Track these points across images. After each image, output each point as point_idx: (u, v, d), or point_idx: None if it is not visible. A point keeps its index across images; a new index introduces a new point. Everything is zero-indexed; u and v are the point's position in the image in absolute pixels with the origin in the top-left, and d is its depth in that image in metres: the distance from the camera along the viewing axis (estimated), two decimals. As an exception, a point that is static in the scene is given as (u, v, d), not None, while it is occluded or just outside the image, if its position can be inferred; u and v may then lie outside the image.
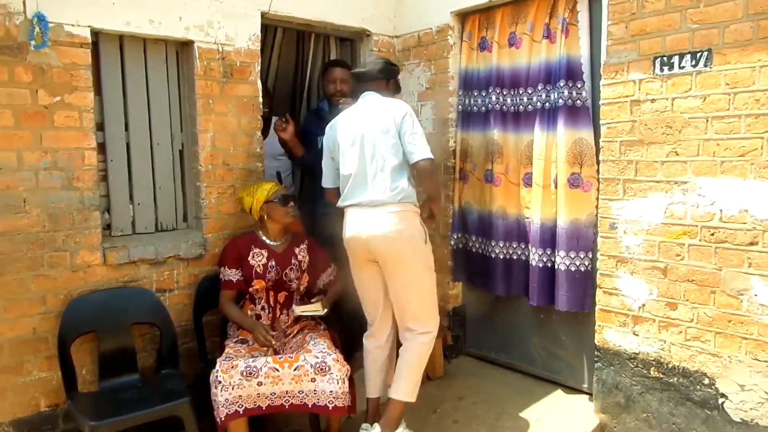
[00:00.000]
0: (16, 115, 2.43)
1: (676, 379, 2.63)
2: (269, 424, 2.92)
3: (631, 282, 2.73)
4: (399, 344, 2.89)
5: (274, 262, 2.80)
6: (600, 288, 2.86)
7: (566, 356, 3.26)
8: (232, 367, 2.42)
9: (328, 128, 2.93)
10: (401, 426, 2.76)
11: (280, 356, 2.56)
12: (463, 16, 3.50)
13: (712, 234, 2.46)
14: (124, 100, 2.83)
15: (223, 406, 2.36)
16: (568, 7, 2.99)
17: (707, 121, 2.44)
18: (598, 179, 2.88)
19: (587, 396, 3.13)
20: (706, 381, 2.53)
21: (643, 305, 2.71)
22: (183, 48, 2.97)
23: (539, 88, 3.13)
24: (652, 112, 2.60)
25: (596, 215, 2.90)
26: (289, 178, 3.82)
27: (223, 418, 2.36)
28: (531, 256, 3.22)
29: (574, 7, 2.97)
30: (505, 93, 3.31)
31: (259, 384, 2.41)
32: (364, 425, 2.77)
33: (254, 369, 2.42)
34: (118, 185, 2.84)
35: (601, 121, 2.80)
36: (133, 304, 2.75)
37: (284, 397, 2.46)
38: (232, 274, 2.77)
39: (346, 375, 2.54)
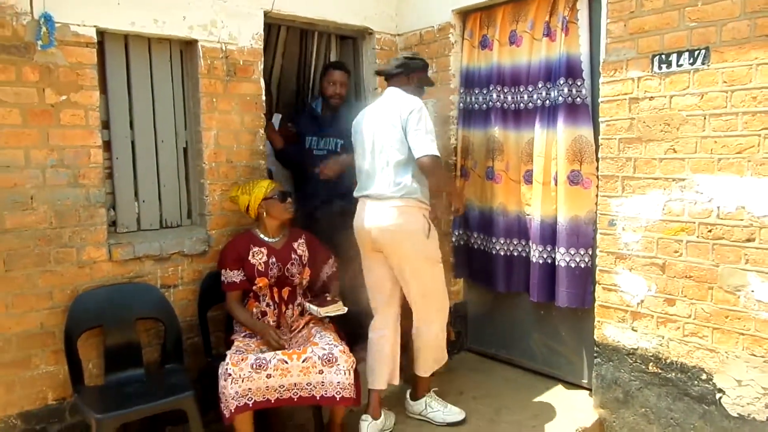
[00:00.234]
0: (23, 113, 2.47)
1: (674, 374, 2.65)
2: (273, 418, 2.96)
3: (629, 278, 2.76)
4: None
5: (274, 259, 2.83)
6: (599, 284, 2.89)
7: (566, 352, 3.29)
8: (243, 360, 2.46)
9: (354, 122, 3.02)
10: (427, 396, 3.02)
11: (288, 349, 2.61)
12: (465, 14, 3.52)
13: (710, 231, 2.48)
14: (129, 99, 2.87)
15: (233, 399, 2.39)
16: (568, 6, 3.01)
17: (705, 118, 2.46)
18: (597, 176, 2.90)
19: (587, 391, 3.15)
20: (704, 376, 2.56)
21: (642, 301, 2.73)
22: (187, 47, 3.01)
23: (539, 85, 3.15)
24: (651, 110, 2.62)
25: (596, 212, 2.92)
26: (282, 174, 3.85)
27: (233, 411, 2.40)
28: (531, 253, 3.25)
29: (574, 5, 2.99)
30: (505, 91, 3.34)
31: (269, 376, 2.45)
32: (364, 416, 2.82)
33: (264, 361, 2.47)
34: (124, 183, 2.88)
35: (600, 119, 2.82)
36: (138, 300, 2.78)
37: (293, 389, 2.50)
38: (234, 276, 2.80)
39: (352, 366, 2.58)
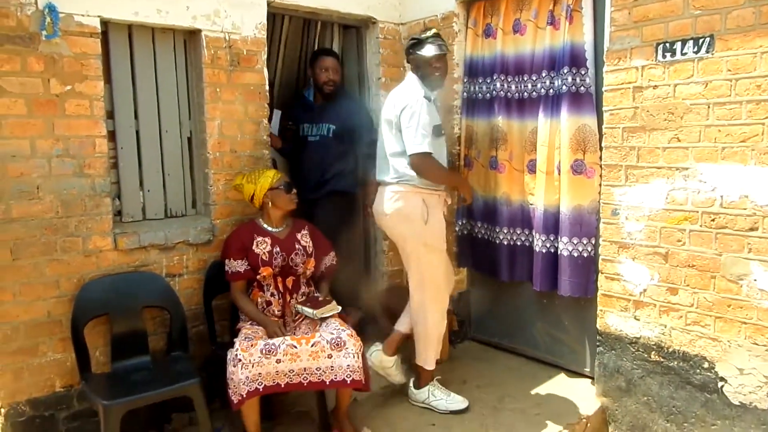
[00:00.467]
0: (28, 103, 2.49)
1: (676, 363, 2.66)
2: (277, 405, 2.99)
3: (632, 267, 2.76)
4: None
5: (278, 249, 2.85)
6: (602, 273, 2.89)
7: (569, 341, 3.31)
8: (252, 346, 2.48)
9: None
10: (430, 385, 3.06)
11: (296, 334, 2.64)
12: (468, 3, 3.51)
13: (713, 220, 2.48)
14: (134, 89, 2.88)
15: (243, 384, 2.42)
16: (572, -6, 2.99)
17: (709, 107, 2.45)
18: (600, 165, 2.90)
19: (589, 380, 3.17)
20: (706, 365, 2.56)
21: (645, 290, 2.73)
22: (190, 37, 3.01)
23: (543, 74, 3.14)
24: (655, 99, 2.61)
25: (599, 201, 2.92)
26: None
27: (244, 395, 2.42)
28: (535, 242, 3.26)
29: (578, -7, 2.98)
30: (509, 80, 3.33)
31: (278, 361, 2.48)
32: (376, 343, 3.15)
33: (273, 347, 2.50)
34: (129, 172, 2.90)
35: (603, 108, 2.81)
36: (144, 288, 2.81)
37: (302, 374, 2.52)
38: (238, 265, 2.81)
39: (360, 350, 2.61)
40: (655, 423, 2.76)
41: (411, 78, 2.97)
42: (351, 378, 2.55)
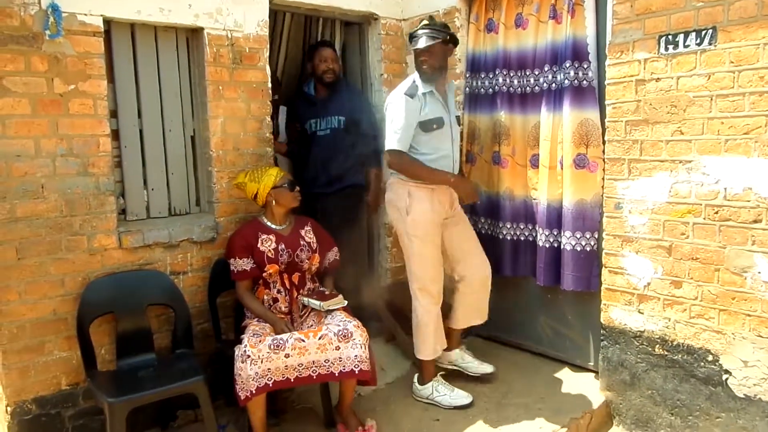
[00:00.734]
0: (32, 103, 2.50)
1: (680, 356, 2.66)
2: (282, 401, 3.01)
3: (636, 261, 2.76)
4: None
5: (284, 246, 2.85)
6: (605, 267, 2.89)
7: (573, 335, 3.31)
8: (260, 342, 2.50)
9: None
10: (434, 381, 3.09)
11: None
12: (470, -3, 3.51)
13: (716, 212, 2.48)
14: (137, 88, 2.89)
15: (253, 380, 2.43)
16: (574, -13, 2.98)
17: (711, 99, 2.44)
18: (603, 159, 2.90)
19: (593, 374, 3.17)
20: (710, 358, 2.56)
21: (648, 284, 2.73)
22: (193, 35, 3.02)
23: (546, 69, 3.14)
24: (657, 92, 2.61)
25: (602, 195, 2.92)
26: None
27: (253, 391, 2.44)
28: (538, 237, 3.26)
29: (579, -13, 2.97)
30: (511, 74, 3.33)
31: (287, 356, 2.49)
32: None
33: (281, 342, 2.51)
34: (132, 171, 2.91)
35: (606, 102, 2.81)
36: (149, 286, 2.82)
37: (311, 367, 2.54)
38: (244, 264, 2.81)
39: (367, 341, 2.63)
40: (659, 416, 2.75)
41: (413, 74, 2.99)
42: (359, 368, 2.57)
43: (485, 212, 3.55)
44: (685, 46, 2.50)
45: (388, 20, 3.77)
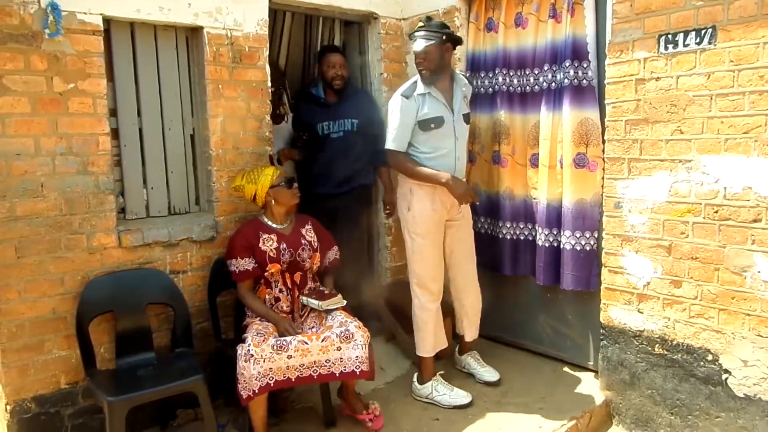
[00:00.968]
0: (32, 102, 2.50)
1: (680, 355, 2.66)
2: (282, 400, 3.00)
3: (635, 260, 2.76)
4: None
5: (285, 245, 2.85)
6: (605, 267, 2.89)
7: (572, 334, 3.31)
8: (264, 341, 2.51)
9: None
10: (434, 380, 3.10)
11: (301, 333, 2.67)
12: (470, -4, 3.51)
13: (716, 211, 2.47)
14: (136, 87, 2.89)
15: (255, 379, 2.44)
16: (574, -13, 2.98)
17: (711, 98, 2.44)
18: (603, 159, 2.90)
19: (593, 373, 3.17)
20: (710, 357, 2.56)
21: (648, 283, 2.73)
22: (192, 34, 3.02)
23: (545, 68, 3.13)
24: (657, 91, 2.60)
25: (601, 195, 2.92)
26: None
27: (256, 391, 2.45)
28: (538, 237, 3.26)
29: (579, -14, 2.97)
30: (511, 74, 3.33)
31: (289, 357, 2.51)
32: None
33: (284, 343, 2.53)
34: (132, 170, 2.91)
35: (606, 101, 2.81)
36: (148, 285, 2.82)
37: (312, 367, 2.55)
38: (246, 264, 2.80)
39: (368, 340, 2.65)
40: (659, 416, 2.75)
41: (416, 75, 3.01)
42: (360, 369, 2.60)
43: (485, 211, 3.55)
44: (685, 46, 2.49)
45: (387, 19, 3.77)
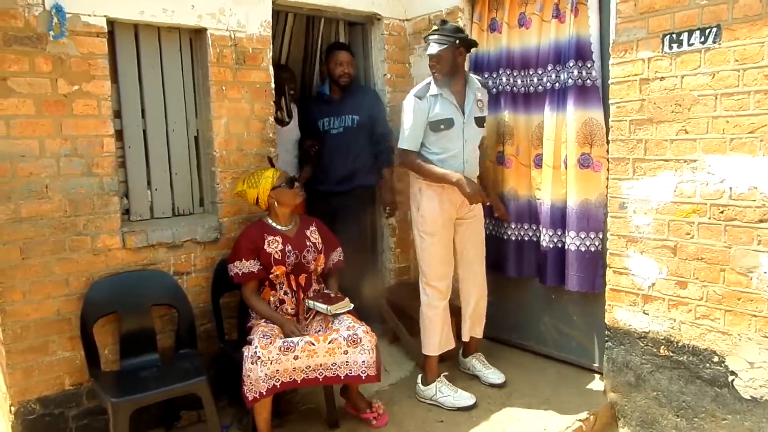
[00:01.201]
0: (37, 103, 2.51)
1: (685, 357, 2.64)
2: (286, 402, 3.00)
3: (640, 261, 2.74)
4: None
5: (290, 247, 2.84)
6: (610, 268, 2.87)
7: (577, 336, 3.29)
8: (271, 343, 2.51)
9: None
10: (438, 381, 3.09)
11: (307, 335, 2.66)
12: (473, -3, 3.50)
13: (722, 212, 2.46)
14: (140, 88, 2.90)
15: (262, 381, 2.44)
16: (578, -14, 2.97)
17: (716, 98, 2.43)
18: (607, 159, 2.88)
19: (598, 375, 3.15)
20: (716, 359, 2.54)
21: (653, 284, 2.71)
22: (196, 35, 3.02)
23: (549, 68, 3.12)
24: (662, 91, 2.59)
25: (606, 195, 2.90)
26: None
27: (264, 393, 2.45)
28: (542, 237, 3.25)
29: (583, -15, 2.96)
30: (515, 74, 3.32)
31: (296, 358, 2.51)
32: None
33: (291, 344, 2.53)
34: (136, 171, 2.92)
35: (610, 101, 2.79)
36: (152, 287, 2.83)
37: (318, 369, 2.56)
38: (251, 266, 2.80)
39: (375, 344, 2.65)
40: (664, 418, 2.73)
41: (431, 76, 3.03)
42: (366, 374, 2.60)
43: (489, 213, 3.53)
44: (690, 45, 2.48)
45: (391, 20, 3.77)
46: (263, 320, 2.78)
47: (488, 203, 3.30)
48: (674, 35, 2.52)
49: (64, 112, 2.58)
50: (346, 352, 2.58)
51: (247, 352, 2.50)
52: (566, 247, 3.10)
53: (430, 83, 3.00)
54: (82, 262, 2.67)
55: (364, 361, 2.59)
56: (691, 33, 2.47)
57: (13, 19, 2.42)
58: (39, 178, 2.54)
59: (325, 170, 3.65)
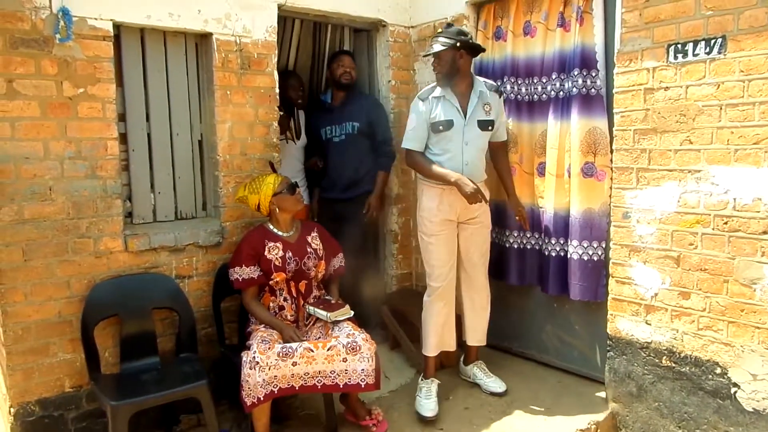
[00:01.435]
0: (42, 106, 2.52)
1: (688, 368, 2.62)
2: (285, 407, 2.99)
3: (643, 271, 2.73)
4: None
5: (291, 253, 2.84)
6: (613, 277, 2.86)
7: (579, 345, 3.27)
8: (269, 349, 2.50)
9: None
10: (422, 382, 3.11)
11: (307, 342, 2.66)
12: (478, 5, 3.50)
13: (726, 223, 2.45)
14: (145, 92, 2.91)
15: (260, 387, 2.43)
16: (583, -4, 2.98)
17: (721, 108, 2.42)
18: (611, 168, 2.88)
19: (600, 384, 3.12)
20: (719, 370, 2.52)
21: (656, 294, 2.70)
22: (202, 40, 3.04)
23: (553, 77, 3.13)
24: (666, 100, 2.59)
25: (609, 204, 2.89)
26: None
27: (261, 398, 2.44)
28: (544, 246, 3.24)
29: (588, -5, 2.96)
30: (519, 82, 3.32)
31: (294, 364, 2.50)
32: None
33: (290, 350, 2.52)
34: (140, 174, 2.93)
35: (614, 110, 2.79)
36: (154, 290, 2.83)
37: (317, 377, 2.55)
38: (251, 272, 2.79)
39: (375, 352, 2.64)
40: (666, 429, 2.71)
41: None
42: (365, 382, 2.58)
43: (492, 220, 3.52)
44: (695, 55, 2.48)
45: (396, 27, 3.78)
46: (263, 325, 2.77)
47: (487, 203, 3.29)
48: (679, 45, 2.52)
49: (69, 115, 2.59)
50: (345, 360, 2.56)
51: (246, 357, 2.49)
52: (569, 255, 3.09)
53: (435, 86, 3.03)
54: (84, 264, 2.67)
55: (363, 369, 2.58)
56: (696, 43, 2.46)
57: (19, 21, 2.43)
58: (43, 180, 2.54)
59: (330, 178, 3.67)
